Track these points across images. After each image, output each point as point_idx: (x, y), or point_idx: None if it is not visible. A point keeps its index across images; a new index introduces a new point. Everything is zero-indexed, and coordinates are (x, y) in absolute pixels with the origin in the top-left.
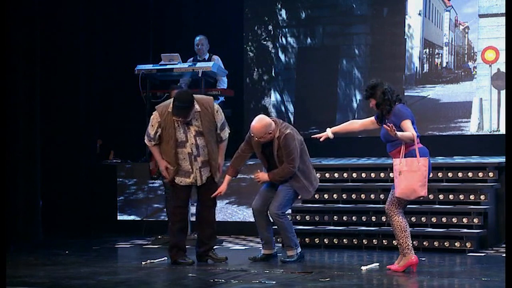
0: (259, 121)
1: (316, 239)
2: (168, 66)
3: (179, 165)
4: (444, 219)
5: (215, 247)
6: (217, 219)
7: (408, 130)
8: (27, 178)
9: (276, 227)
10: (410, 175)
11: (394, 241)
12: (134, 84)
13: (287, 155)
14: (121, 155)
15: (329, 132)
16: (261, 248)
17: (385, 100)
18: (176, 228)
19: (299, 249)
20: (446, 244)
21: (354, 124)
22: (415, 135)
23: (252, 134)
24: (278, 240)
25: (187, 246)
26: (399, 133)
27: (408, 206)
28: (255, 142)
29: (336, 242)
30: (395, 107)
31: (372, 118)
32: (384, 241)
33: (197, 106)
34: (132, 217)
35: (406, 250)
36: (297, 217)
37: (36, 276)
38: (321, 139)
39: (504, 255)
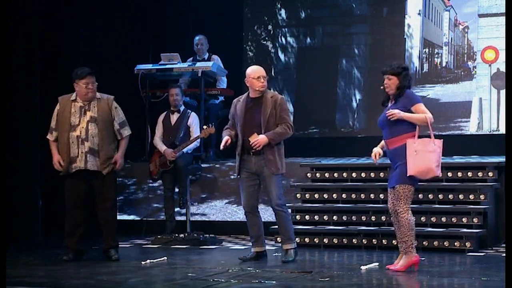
0: (257, 66)
1: (315, 239)
2: (167, 66)
3: (70, 150)
4: (443, 219)
5: (115, 246)
6: (216, 219)
7: (424, 112)
8: (27, 178)
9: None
10: (427, 155)
11: (393, 241)
12: (134, 84)
13: (284, 116)
14: None
15: (376, 149)
16: (251, 247)
17: (404, 86)
18: (67, 229)
19: (295, 244)
20: (446, 243)
21: None
22: (431, 117)
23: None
24: (278, 239)
25: (186, 246)
26: (408, 114)
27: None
28: (240, 104)
29: (335, 242)
30: (406, 91)
31: None
32: (383, 240)
33: (98, 94)
34: (131, 217)
35: (410, 248)
36: (297, 216)
37: (36, 276)
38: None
39: (504, 254)
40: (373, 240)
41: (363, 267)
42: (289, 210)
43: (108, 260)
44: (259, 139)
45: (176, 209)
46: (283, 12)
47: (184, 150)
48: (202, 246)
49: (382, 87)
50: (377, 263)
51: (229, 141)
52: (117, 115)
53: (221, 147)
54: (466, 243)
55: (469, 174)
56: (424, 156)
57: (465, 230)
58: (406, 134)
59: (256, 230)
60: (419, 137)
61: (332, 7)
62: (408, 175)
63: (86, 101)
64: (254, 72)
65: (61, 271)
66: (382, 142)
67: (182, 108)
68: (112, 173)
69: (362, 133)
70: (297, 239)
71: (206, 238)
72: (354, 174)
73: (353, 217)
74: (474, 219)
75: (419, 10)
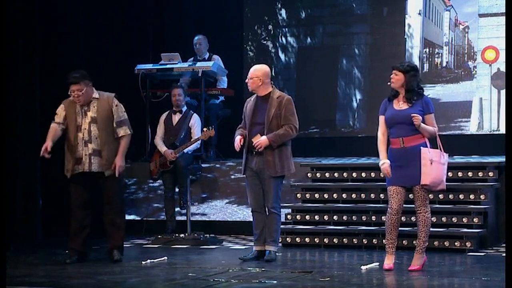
0: (261, 65)
1: (316, 239)
2: (168, 66)
3: (76, 152)
4: (444, 219)
5: (119, 246)
6: (217, 219)
7: (433, 125)
8: (27, 178)
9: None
10: (439, 166)
11: None
12: (134, 84)
13: (289, 116)
14: None
15: (388, 164)
16: (253, 246)
17: (411, 86)
18: (72, 231)
19: (277, 247)
20: (446, 243)
21: (383, 142)
22: (437, 130)
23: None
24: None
25: (186, 246)
26: (422, 125)
27: (407, 205)
28: (250, 103)
29: (336, 242)
30: (425, 96)
31: (382, 120)
32: (384, 240)
33: (96, 94)
34: (132, 217)
35: (424, 247)
36: (297, 216)
37: (35, 276)
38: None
39: (504, 254)
40: (374, 240)
41: (363, 267)
42: (289, 210)
43: (110, 261)
44: (260, 141)
45: (176, 209)
46: (283, 12)
47: (184, 150)
48: (203, 246)
49: (388, 83)
50: (377, 263)
51: (242, 140)
52: (116, 114)
53: (236, 148)
54: (467, 243)
55: (470, 174)
56: (437, 167)
57: (465, 230)
58: (421, 133)
59: (260, 227)
60: None
61: (332, 7)
62: (422, 183)
63: (82, 104)
64: (250, 71)
65: (61, 271)
66: (383, 151)
67: (184, 108)
68: (114, 175)
69: (362, 133)
70: (297, 239)
71: (206, 238)
72: (354, 174)
73: (353, 217)
74: (474, 219)
75: (420, 10)
